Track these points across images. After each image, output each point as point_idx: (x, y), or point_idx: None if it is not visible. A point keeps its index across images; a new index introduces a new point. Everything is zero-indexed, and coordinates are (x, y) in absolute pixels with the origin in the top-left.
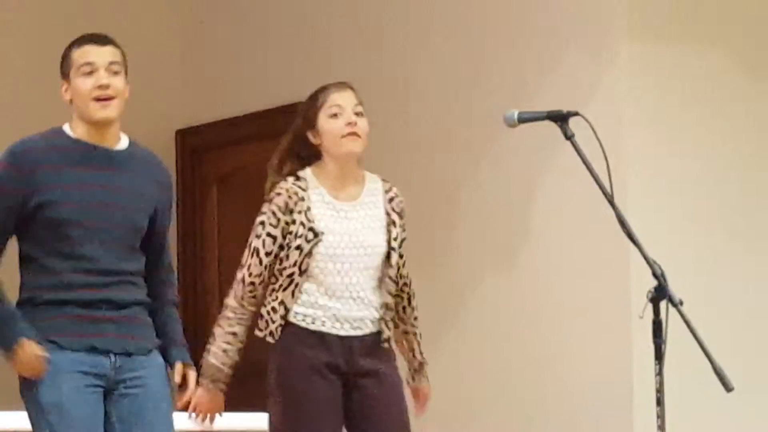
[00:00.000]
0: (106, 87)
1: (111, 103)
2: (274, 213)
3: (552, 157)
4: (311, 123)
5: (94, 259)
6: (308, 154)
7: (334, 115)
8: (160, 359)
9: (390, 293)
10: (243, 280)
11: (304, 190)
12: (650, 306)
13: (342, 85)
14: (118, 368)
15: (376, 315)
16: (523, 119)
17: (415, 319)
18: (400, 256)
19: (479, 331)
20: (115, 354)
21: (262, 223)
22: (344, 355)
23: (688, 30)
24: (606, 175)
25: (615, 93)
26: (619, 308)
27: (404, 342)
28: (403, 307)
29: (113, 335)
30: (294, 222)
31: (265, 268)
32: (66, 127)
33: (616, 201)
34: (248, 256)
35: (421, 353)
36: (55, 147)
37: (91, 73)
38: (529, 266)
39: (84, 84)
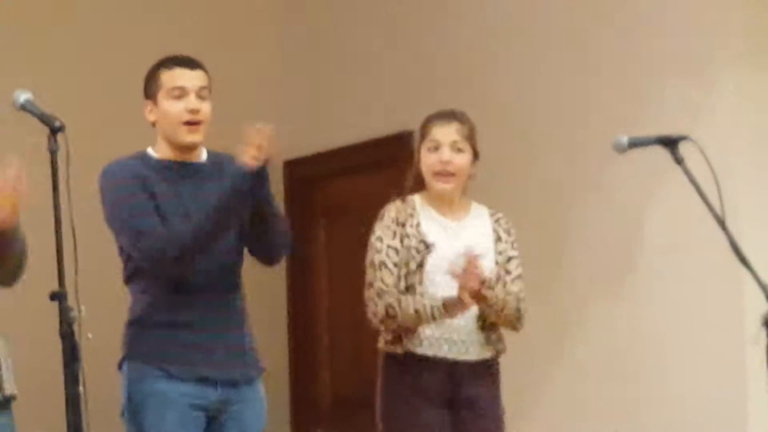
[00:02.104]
0: (197, 111)
1: (199, 128)
2: (388, 226)
3: (660, 183)
4: (417, 154)
5: (198, 270)
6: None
7: (432, 149)
8: (262, 391)
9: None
10: (378, 295)
11: (413, 208)
12: (764, 331)
13: (446, 116)
14: (223, 400)
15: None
16: (633, 144)
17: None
18: (508, 273)
19: (587, 360)
20: (222, 385)
21: (379, 238)
22: (450, 381)
23: None
24: (717, 200)
25: (722, 117)
26: (733, 334)
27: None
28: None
29: (222, 365)
30: (408, 236)
31: (398, 278)
32: (150, 150)
33: (728, 225)
34: (374, 272)
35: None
36: (143, 165)
37: (180, 96)
38: (640, 293)
39: (174, 107)
